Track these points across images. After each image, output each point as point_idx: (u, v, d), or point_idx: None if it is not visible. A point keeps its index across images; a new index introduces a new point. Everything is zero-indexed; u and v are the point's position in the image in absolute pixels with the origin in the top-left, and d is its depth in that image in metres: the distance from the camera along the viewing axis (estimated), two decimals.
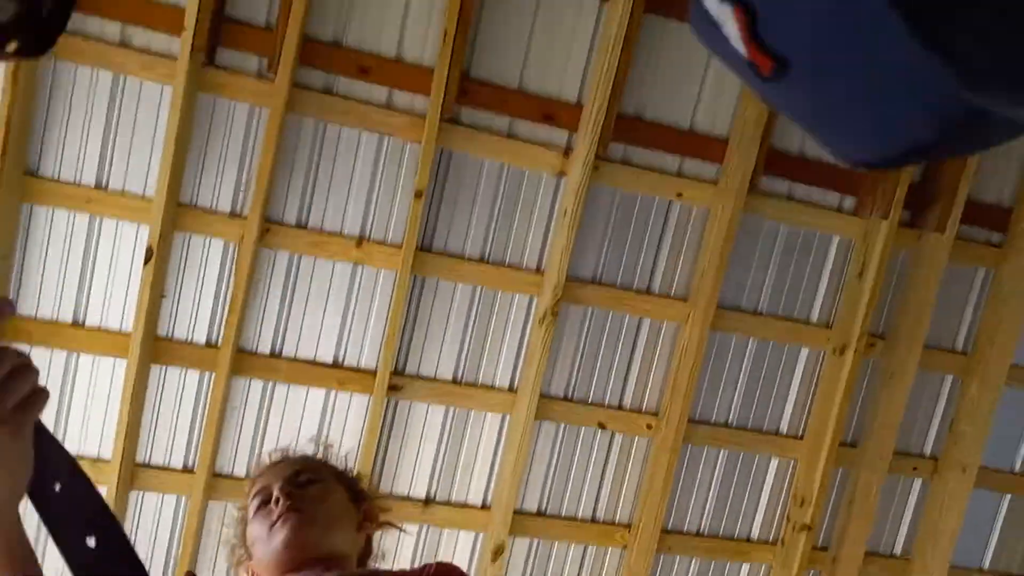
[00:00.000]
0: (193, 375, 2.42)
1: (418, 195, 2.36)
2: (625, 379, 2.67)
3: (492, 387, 2.58)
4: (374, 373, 2.47)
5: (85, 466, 0.84)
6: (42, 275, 2.30)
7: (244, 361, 2.41)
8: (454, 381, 2.56)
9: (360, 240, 2.44)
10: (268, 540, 1.23)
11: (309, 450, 1.46)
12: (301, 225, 2.41)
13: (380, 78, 2.33)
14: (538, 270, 2.52)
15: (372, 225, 2.45)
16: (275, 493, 1.26)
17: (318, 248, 2.41)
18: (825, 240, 2.69)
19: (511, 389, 2.58)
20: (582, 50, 2.41)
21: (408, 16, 2.32)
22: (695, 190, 2.52)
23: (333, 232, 2.43)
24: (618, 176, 2.48)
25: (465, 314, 2.54)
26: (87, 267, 2.32)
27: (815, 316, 2.74)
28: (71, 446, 1.84)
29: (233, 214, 2.36)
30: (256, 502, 1.30)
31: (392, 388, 2.48)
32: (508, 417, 2.59)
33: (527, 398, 2.52)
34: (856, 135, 0.48)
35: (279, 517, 1.23)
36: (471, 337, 2.55)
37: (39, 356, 2.28)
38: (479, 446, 2.62)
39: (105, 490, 2.34)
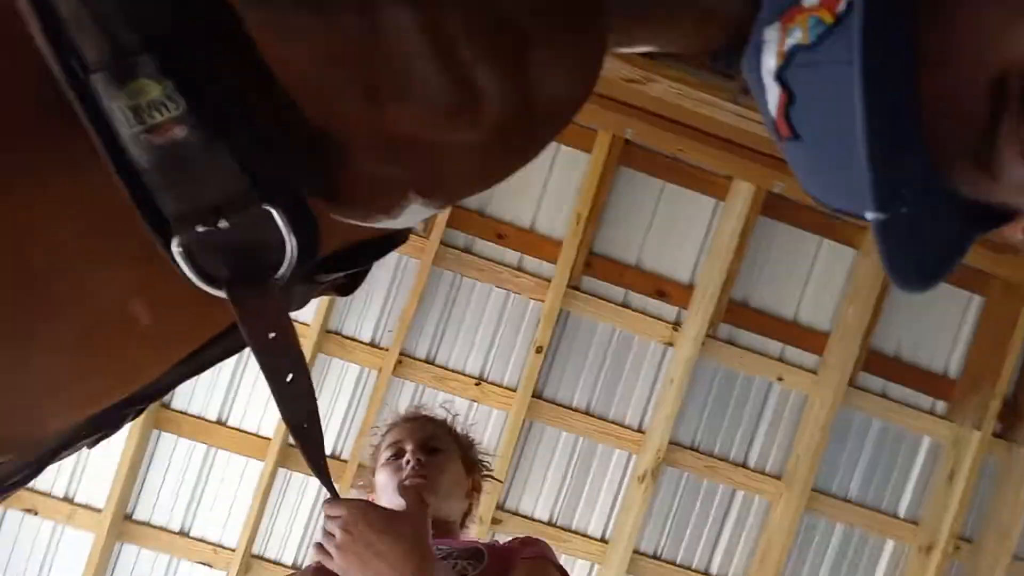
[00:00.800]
0: (314, 484, 2.68)
1: (539, 350, 2.62)
2: (715, 545, 2.76)
3: (584, 534, 2.73)
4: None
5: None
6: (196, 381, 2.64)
7: (363, 475, 2.66)
8: (549, 523, 2.73)
9: (479, 380, 2.70)
10: (392, 495, 1.41)
11: (439, 414, 1.67)
12: (429, 360, 2.70)
13: (514, 244, 2.64)
14: (639, 429, 2.71)
15: (491, 368, 2.71)
16: (408, 454, 1.45)
17: (441, 382, 2.67)
18: (916, 439, 2.77)
19: (602, 539, 2.72)
20: (697, 238, 2.67)
21: (544, 196, 2.65)
22: (795, 376, 2.69)
23: (456, 370, 2.70)
24: (723, 354, 2.68)
25: (567, 461, 2.73)
26: (236, 376, 2.65)
27: (903, 510, 2.79)
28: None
29: (372, 344, 2.68)
30: (388, 453, 1.49)
31: (494, 521, 2.67)
32: (597, 567, 2.72)
33: (620, 551, 2.65)
34: (826, 196, 0.64)
35: (406, 479, 1.41)
36: (570, 483, 2.73)
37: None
38: None
39: None
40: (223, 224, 0.71)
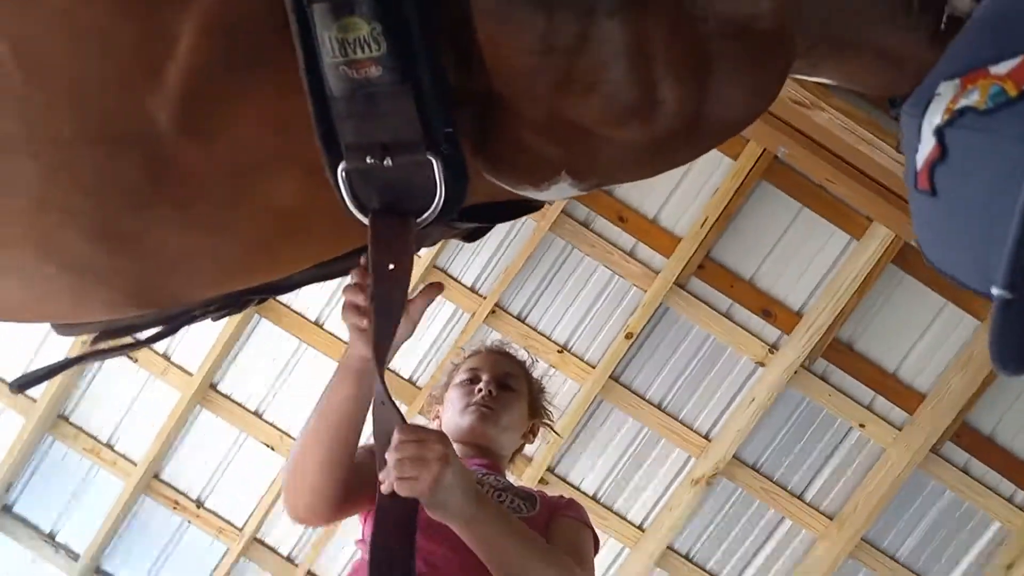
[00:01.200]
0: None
1: (628, 336, 2.64)
2: (749, 563, 2.78)
3: (624, 517, 2.79)
4: (529, 461, 2.75)
5: None
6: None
7: (431, 406, 2.77)
8: (593, 497, 2.79)
9: (563, 348, 2.75)
10: (457, 414, 1.52)
11: (521, 355, 1.77)
12: (520, 318, 2.75)
13: (632, 229, 2.64)
14: (706, 435, 2.72)
15: (577, 340, 2.75)
16: (482, 383, 1.54)
17: (526, 341, 2.72)
18: (985, 520, 2.70)
19: (640, 527, 2.78)
20: (820, 269, 2.62)
21: (676, 191, 2.64)
22: (878, 427, 2.64)
23: (544, 333, 2.75)
24: (812, 387, 2.65)
25: (626, 445, 2.77)
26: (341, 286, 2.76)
27: None
28: None
29: (472, 289, 2.75)
30: (465, 376, 1.59)
31: (541, 481, 2.75)
32: (627, 551, 2.78)
33: (654, 543, 2.71)
34: (941, 257, 0.65)
35: (474, 404, 1.51)
36: (624, 467, 2.78)
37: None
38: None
39: None
40: (388, 162, 0.78)
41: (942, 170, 0.59)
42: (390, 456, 0.97)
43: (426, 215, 0.85)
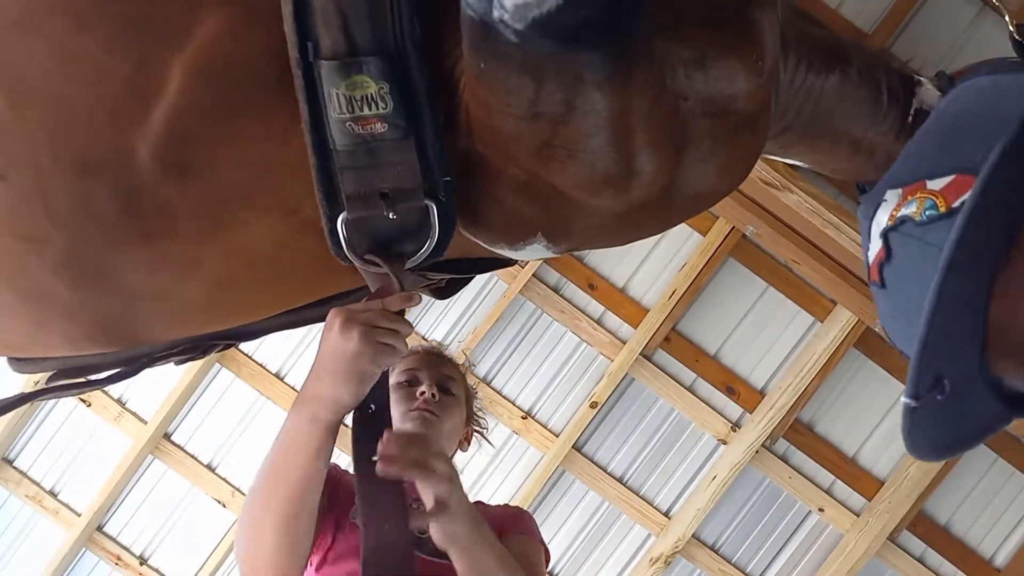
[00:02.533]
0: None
1: (593, 405, 2.64)
2: None
3: None
4: None
5: None
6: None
7: None
8: (550, 573, 2.73)
9: (527, 415, 2.73)
10: (397, 419, 1.39)
11: (458, 358, 1.68)
12: (486, 381, 2.73)
13: (601, 297, 2.67)
14: (666, 513, 2.69)
15: (541, 406, 2.73)
16: (423, 387, 1.44)
17: (490, 405, 2.69)
18: None
19: None
20: (783, 349, 2.65)
21: (645, 263, 2.67)
22: (837, 512, 2.63)
23: (508, 398, 2.73)
24: (773, 468, 2.65)
25: (586, 520, 2.73)
26: (306, 339, 2.73)
27: None
28: None
29: None
30: (403, 377, 1.47)
31: None
32: None
33: None
34: (895, 339, 0.70)
35: (416, 409, 1.41)
36: (582, 542, 2.73)
37: None
38: None
39: None
40: (389, 213, 0.80)
41: (888, 269, 0.65)
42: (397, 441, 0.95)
43: (416, 258, 0.86)
